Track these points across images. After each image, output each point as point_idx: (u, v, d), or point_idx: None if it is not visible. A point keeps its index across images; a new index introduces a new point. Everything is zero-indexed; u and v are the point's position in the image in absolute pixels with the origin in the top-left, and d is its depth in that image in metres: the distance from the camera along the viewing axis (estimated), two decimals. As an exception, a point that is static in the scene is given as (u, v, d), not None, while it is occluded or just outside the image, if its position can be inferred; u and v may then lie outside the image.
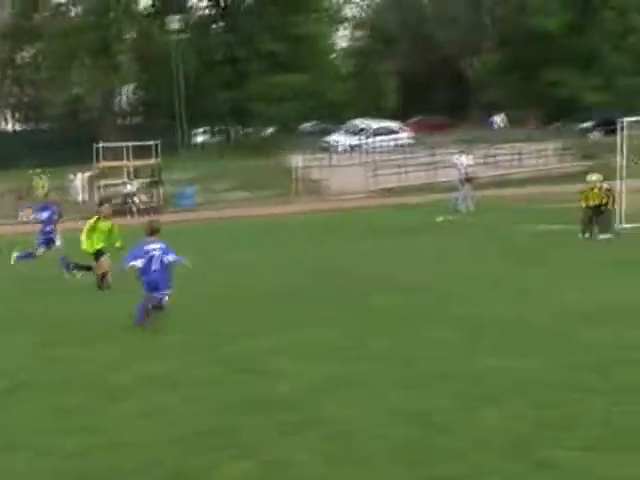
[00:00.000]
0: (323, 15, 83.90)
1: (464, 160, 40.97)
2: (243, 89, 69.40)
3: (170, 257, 14.10)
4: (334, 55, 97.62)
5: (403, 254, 23.79)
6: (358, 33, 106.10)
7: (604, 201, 26.15)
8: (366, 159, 59.92)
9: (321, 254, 24.52)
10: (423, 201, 46.09)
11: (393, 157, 59.96)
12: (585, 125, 72.00)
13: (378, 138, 67.80)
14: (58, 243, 21.99)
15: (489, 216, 34.71)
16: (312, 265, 22.23)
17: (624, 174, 27.74)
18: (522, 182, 53.70)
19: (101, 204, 20.57)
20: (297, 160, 54.34)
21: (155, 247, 14.07)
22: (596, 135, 68.12)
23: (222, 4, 75.44)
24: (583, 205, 26.24)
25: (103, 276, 19.30)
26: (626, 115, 32.96)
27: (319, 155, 60.72)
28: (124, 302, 15.95)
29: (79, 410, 9.91)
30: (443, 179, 55.83)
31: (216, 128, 78.94)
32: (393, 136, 69.07)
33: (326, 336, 13.26)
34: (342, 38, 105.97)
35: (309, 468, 7.80)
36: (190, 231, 35.60)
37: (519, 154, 61.09)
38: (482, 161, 58.96)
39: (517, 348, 11.79)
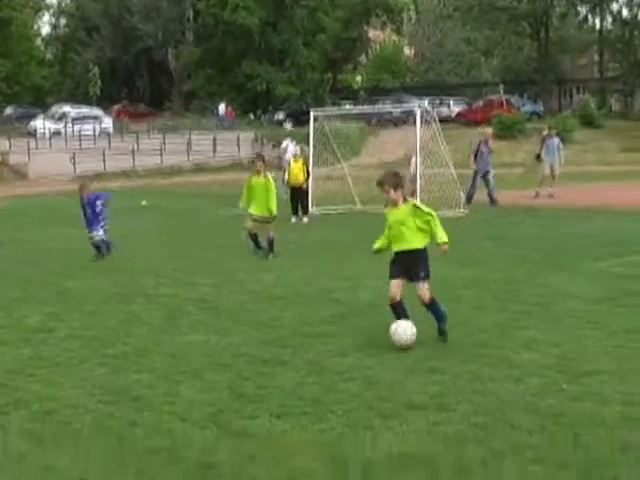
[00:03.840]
0: (26, 1, 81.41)
1: (291, 147, 33.57)
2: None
3: None
4: (38, 41, 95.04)
5: (111, 236, 23.48)
6: (62, 21, 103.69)
7: (304, 177, 26.71)
8: (68, 145, 58.77)
9: (24, 237, 23.81)
10: (125, 186, 45.62)
11: (94, 143, 59.16)
12: (278, 116, 73.63)
13: (80, 124, 66.78)
14: None
15: (195, 201, 34.95)
16: (15, 249, 21.55)
17: (311, 162, 28.57)
18: (220, 169, 54.23)
19: None
20: (-1, 145, 52.51)
21: None
22: (289, 125, 69.73)
23: None
24: (288, 184, 26.79)
25: None
26: (314, 106, 33.99)
27: (21, 140, 59.09)
28: None
29: None
30: (142, 165, 55.65)
31: None
32: (95, 122, 68.19)
33: (25, 319, 12.92)
34: (45, 25, 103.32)
35: (16, 447, 7.55)
36: None
37: (214, 142, 61.59)
38: (183, 149, 59.20)
39: (215, 325, 11.91)
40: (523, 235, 21.04)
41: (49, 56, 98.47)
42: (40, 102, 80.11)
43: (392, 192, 10.41)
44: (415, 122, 27.60)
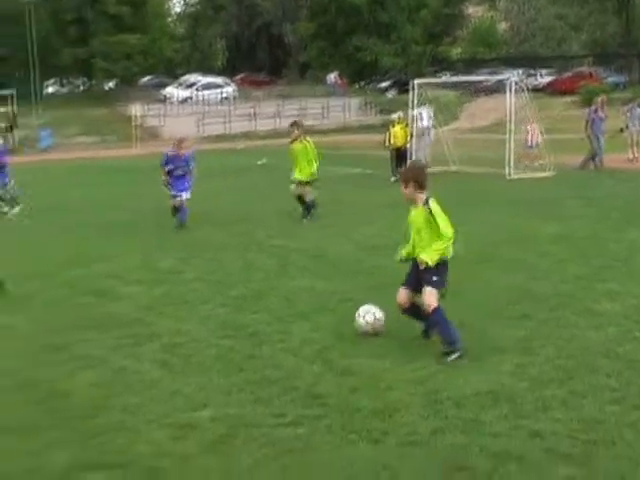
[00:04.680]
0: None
1: (424, 114, 30.52)
2: (89, 47, 67.54)
3: None
4: (170, 18, 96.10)
5: (229, 192, 23.76)
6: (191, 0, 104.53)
7: (407, 139, 26.73)
8: (196, 109, 59.45)
9: (160, 191, 24.17)
10: (246, 147, 45.97)
11: (219, 108, 59.69)
12: (383, 84, 73.39)
13: (207, 91, 67.39)
14: None
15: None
16: (151, 201, 21.92)
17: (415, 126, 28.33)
18: (329, 132, 54.18)
19: None
20: (136, 109, 53.35)
21: None
22: (392, 93, 69.28)
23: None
24: (390, 146, 26.69)
25: None
26: (416, 77, 33.68)
27: (156, 105, 60.08)
28: None
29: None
30: (262, 128, 56.02)
31: (65, 80, 77.15)
32: (220, 90, 68.73)
33: (158, 262, 13.17)
34: (177, 3, 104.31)
35: (149, 373, 7.77)
36: (44, 170, 34.60)
37: (327, 107, 61.56)
38: (296, 113, 59.25)
39: (321, 273, 11.94)
40: (605, 195, 20.50)
41: (181, 30, 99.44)
42: (171, 72, 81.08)
43: (406, 189, 8.29)
44: (507, 91, 27.25)
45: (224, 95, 67.46)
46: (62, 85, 78.40)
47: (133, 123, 50.77)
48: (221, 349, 8.40)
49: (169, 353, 8.34)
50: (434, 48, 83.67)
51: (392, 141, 26.99)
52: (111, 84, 75.68)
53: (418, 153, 27.76)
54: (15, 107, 52.38)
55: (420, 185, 8.24)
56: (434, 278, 8.17)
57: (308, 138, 17.86)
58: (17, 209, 19.47)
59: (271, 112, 59.02)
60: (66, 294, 11.07)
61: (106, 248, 14.56)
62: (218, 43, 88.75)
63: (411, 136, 27.27)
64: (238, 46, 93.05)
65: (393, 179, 26.06)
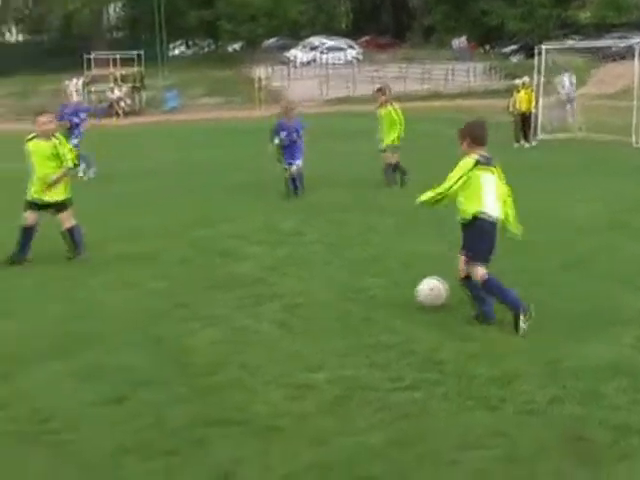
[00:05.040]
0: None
1: (566, 80, 29.59)
2: (214, 8, 68.27)
3: None
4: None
5: (348, 155, 23.77)
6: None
7: (531, 105, 26.31)
8: (320, 72, 59.55)
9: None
10: (368, 110, 45.89)
11: (343, 71, 59.65)
12: (508, 49, 72.18)
13: (330, 54, 67.52)
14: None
15: (424, 125, 34.67)
16: (273, 163, 22.13)
17: (541, 91, 27.78)
18: (453, 96, 53.52)
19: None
20: (260, 71, 53.81)
21: None
22: (517, 57, 68.05)
23: None
24: (514, 111, 26.26)
25: None
26: (543, 41, 32.93)
27: (279, 67, 60.45)
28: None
29: (64, 280, 10.01)
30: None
31: (190, 42, 78.37)
32: (343, 52, 68.77)
33: (280, 224, 13.32)
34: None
35: (268, 333, 7.90)
36: (169, 131, 35.31)
37: (451, 71, 60.84)
38: (419, 77, 58.91)
39: (436, 237, 11.76)
40: None
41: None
42: (295, 35, 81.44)
43: (462, 144, 8.10)
44: (635, 57, 26.45)
45: (347, 58, 67.47)
46: (187, 47, 79.64)
47: (257, 85, 51.21)
48: (340, 311, 8.48)
49: (289, 313, 8.46)
50: (561, 12, 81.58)
51: (517, 106, 26.57)
52: (236, 46, 76.37)
53: (565, 119, 27.55)
54: (142, 68, 53.64)
55: (474, 141, 7.97)
56: (468, 253, 7.95)
57: (395, 104, 17.88)
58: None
59: (395, 75, 58.63)
60: (192, 254, 11.33)
61: (230, 209, 14.81)
62: (342, 5, 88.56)
63: (536, 102, 26.82)
64: (362, 8, 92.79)
65: (516, 145, 25.72)
